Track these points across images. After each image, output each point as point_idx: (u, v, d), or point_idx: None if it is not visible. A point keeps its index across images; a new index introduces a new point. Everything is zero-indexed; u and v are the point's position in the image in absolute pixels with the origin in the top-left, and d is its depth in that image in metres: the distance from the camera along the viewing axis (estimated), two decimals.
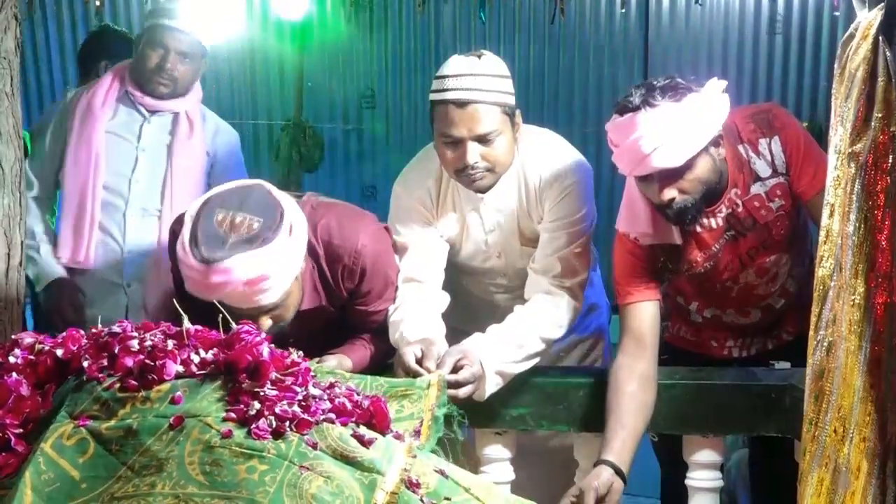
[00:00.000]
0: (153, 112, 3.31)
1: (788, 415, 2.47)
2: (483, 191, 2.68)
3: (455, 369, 2.35)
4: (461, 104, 2.53)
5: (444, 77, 2.58)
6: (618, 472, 2.34)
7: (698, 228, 2.58)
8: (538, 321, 2.59)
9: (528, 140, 2.74)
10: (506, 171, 2.66)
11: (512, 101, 2.61)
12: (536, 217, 2.73)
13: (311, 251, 2.44)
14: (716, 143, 2.46)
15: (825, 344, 1.92)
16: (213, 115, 3.51)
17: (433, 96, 2.60)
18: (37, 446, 1.64)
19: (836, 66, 1.94)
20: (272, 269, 2.19)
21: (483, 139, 2.55)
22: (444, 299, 2.73)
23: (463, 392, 2.33)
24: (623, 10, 5.82)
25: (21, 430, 1.71)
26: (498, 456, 2.69)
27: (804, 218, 2.68)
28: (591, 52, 5.88)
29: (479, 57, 2.59)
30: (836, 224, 1.91)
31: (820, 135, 5.47)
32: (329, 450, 1.67)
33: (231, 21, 4.86)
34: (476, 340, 2.49)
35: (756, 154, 2.56)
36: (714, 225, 2.59)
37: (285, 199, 2.31)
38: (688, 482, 2.68)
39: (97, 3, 5.34)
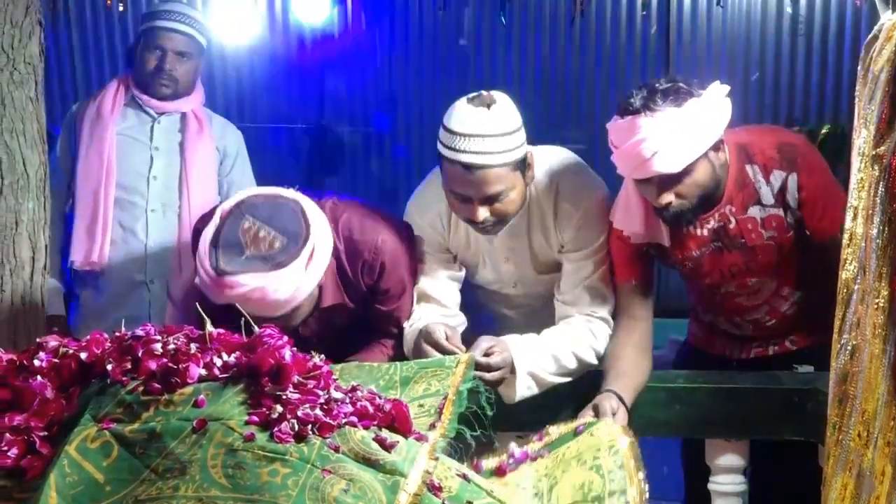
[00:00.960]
0: (161, 113, 3.36)
1: (812, 419, 2.46)
2: (493, 234, 2.65)
3: (486, 354, 2.35)
4: (470, 167, 2.45)
5: (452, 133, 2.46)
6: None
7: (684, 230, 2.59)
8: (575, 340, 2.59)
9: (542, 167, 2.67)
10: (518, 214, 2.61)
11: (523, 151, 2.51)
12: (556, 245, 2.69)
13: (333, 248, 2.44)
14: (716, 147, 2.45)
15: (849, 347, 1.91)
16: (217, 115, 3.58)
17: (441, 148, 2.50)
18: (61, 449, 1.65)
19: (859, 67, 1.93)
20: (282, 291, 2.21)
21: (493, 199, 2.49)
22: (461, 320, 2.73)
23: (490, 376, 2.33)
24: (644, 12, 5.79)
25: (46, 433, 1.73)
26: None
27: (805, 250, 2.62)
28: (612, 54, 5.86)
29: (489, 107, 2.47)
30: (860, 227, 1.89)
31: (843, 137, 5.43)
32: (351, 453, 1.67)
33: (251, 25, 4.89)
34: (511, 338, 2.48)
35: (765, 180, 2.53)
36: (700, 233, 2.59)
37: (317, 220, 2.31)
38: (710, 486, 2.67)
39: (120, 8, 5.37)
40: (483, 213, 2.50)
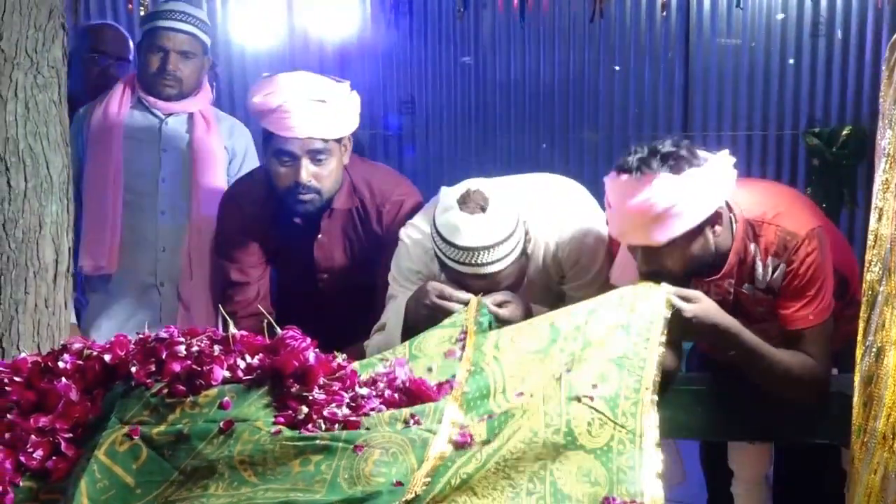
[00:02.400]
0: (168, 114, 3.33)
1: (836, 422, 2.43)
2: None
3: (499, 306, 2.29)
4: (483, 276, 2.33)
5: (455, 247, 2.30)
6: None
7: None
8: None
9: (532, 207, 2.53)
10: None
11: (522, 245, 2.37)
12: (556, 275, 2.59)
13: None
14: (713, 222, 2.28)
15: (874, 350, 1.90)
16: (225, 114, 3.54)
17: (443, 258, 2.35)
18: (89, 454, 1.66)
19: (883, 69, 1.92)
20: None
21: (499, 288, 2.37)
22: None
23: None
24: (664, 14, 5.79)
25: (71, 435, 1.74)
26: None
27: None
28: (632, 57, 5.85)
29: (484, 209, 2.29)
30: (885, 228, 1.88)
31: (864, 138, 5.41)
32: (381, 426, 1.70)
33: (268, 31, 4.91)
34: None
35: (763, 263, 2.38)
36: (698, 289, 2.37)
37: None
38: (733, 490, 2.66)
39: (141, 11, 5.40)
40: (488, 298, 2.34)
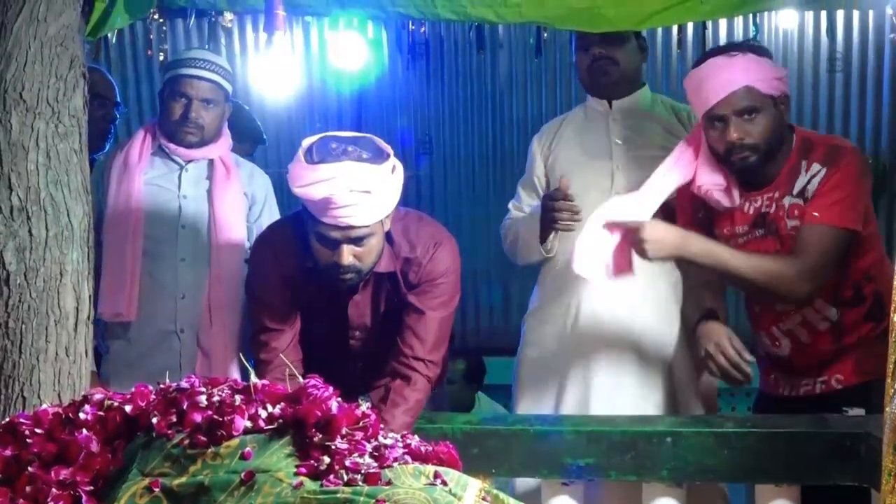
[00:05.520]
0: (189, 161, 3.34)
1: (864, 463, 2.41)
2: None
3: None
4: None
5: None
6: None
7: (736, 202, 2.83)
8: None
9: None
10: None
11: None
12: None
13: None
14: (783, 103, 2.74)
15: None
16: (245, 161, 3.56)
17: None
18: None
19: None
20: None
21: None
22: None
23: None
24: (679, 50, 5.80)
25: (91, 488, 1.72)
26: None
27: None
28: None
29: None
30: None
31: (884, 173, 5.38)
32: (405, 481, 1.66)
33: (290, 72, 4.93)
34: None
35: (806, 171, 2.72)
36: (746, 210, 2.84)
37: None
38: None
39: (160, 57, 5.45)
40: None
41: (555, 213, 3.01)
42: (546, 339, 3.16)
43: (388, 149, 2.53)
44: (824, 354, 2.82)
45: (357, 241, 2.53)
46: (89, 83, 3.71)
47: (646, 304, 3.06)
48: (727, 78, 2.68)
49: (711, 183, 2.82)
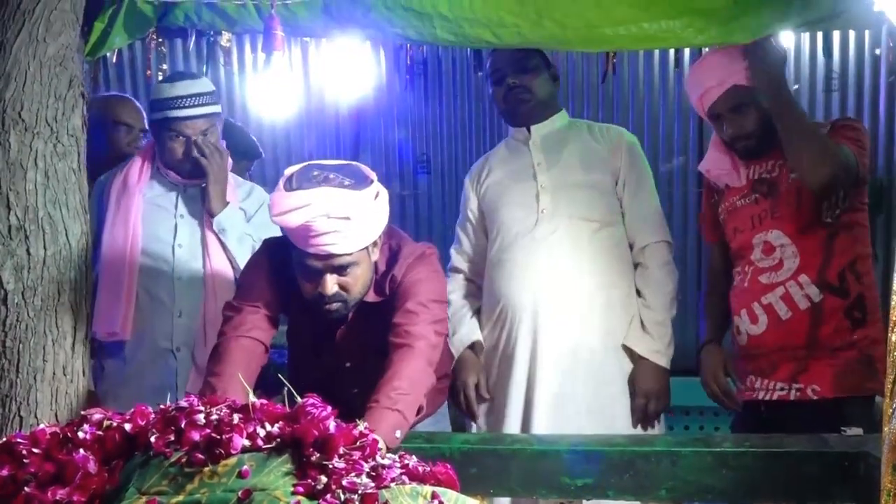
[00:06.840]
0: (188, 184, 3.36)
1: (863, 483, 2.40)
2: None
3: None
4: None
5: None
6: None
7: (743, 181, 3.08)
8: None
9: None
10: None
11: None
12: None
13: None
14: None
15: None
16: (242, 180, 3.57)
17: None
18: None
19: None
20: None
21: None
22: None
23: None
24: (676, 69, 5.81)
25: None
26: None
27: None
28: (646, 113, 5.87)
29: None
30: None
31: (880, 192, 5.38)
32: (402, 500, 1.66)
33: (288, 92, 4.95)
34: None
35: None
36: (751, 175, 3.07)
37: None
38: None
39: (159, 77, 5.45)
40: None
41: (465, 393, 3.16)
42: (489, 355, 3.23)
43: (373, 175, 2.49)
44: (799, 339, 2.89)
45: (340, 269, 2.47)
46: (116, 112, 3.77)
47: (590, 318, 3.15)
48: (718, 79, 3.00)
49: (719, 169, 3.14)
